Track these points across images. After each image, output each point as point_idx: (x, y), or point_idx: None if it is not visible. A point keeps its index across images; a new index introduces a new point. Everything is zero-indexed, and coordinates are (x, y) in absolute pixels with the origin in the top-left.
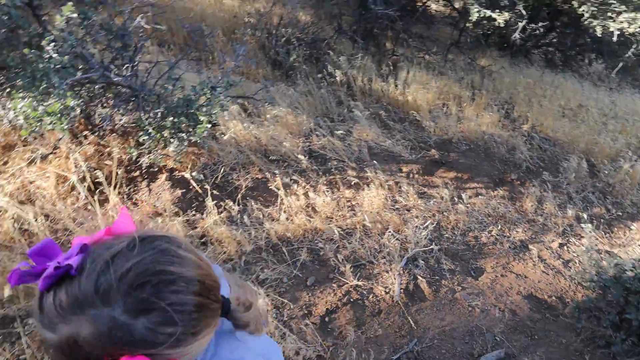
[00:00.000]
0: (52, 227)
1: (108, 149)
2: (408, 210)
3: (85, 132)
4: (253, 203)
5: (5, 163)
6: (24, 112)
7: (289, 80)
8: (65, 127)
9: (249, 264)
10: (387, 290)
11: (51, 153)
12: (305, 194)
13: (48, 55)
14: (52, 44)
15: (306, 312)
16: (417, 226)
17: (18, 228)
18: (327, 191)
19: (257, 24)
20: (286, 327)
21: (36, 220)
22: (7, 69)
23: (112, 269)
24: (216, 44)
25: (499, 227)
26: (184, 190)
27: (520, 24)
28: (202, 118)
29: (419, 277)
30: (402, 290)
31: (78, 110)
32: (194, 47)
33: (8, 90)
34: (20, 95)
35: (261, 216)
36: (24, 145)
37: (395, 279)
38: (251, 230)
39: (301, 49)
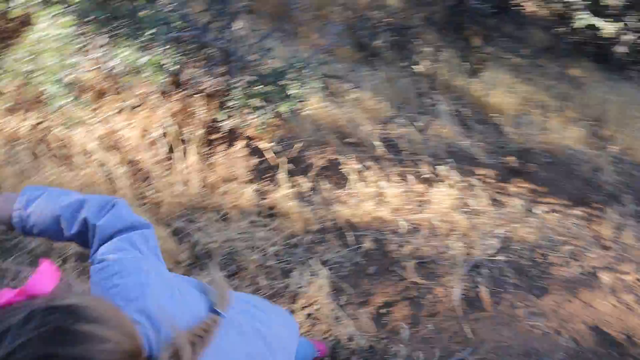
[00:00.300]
0: (133, 176)
1: (193, 109)
2: (477, 216)
3: (174, 90)
4: (324, 183)
5: (96, 109)
6: (126, 60)
7: (370, 64)
8: (162, 80)
9: (313, 243)
10: (447, 294)
11: (139, 105)
12: (376, 182)
13: (158, 8)
14: None
15: (363, 300)
16: (485, 233)
17: (102, 172)
18: (399, 182)
19: (347, 2)
20: (342, 311)
21: (119, 167)
22: (117, 18)
23: None
24: (305, 19)
25: (571, 249)
26: (259, 160)
27: (628, 37)
28: (293, 91)
29: (480, 285)
30: (462, 295)
31: (171, 67)
32: (285, 20)
33: (115, 38)
34: (126, 44)
35: (330, 197)
36: (116, 94)
37: (456, 283)
38: (319, 210)
39: (387, 34)
